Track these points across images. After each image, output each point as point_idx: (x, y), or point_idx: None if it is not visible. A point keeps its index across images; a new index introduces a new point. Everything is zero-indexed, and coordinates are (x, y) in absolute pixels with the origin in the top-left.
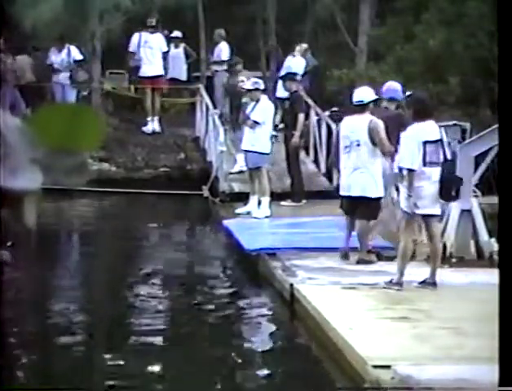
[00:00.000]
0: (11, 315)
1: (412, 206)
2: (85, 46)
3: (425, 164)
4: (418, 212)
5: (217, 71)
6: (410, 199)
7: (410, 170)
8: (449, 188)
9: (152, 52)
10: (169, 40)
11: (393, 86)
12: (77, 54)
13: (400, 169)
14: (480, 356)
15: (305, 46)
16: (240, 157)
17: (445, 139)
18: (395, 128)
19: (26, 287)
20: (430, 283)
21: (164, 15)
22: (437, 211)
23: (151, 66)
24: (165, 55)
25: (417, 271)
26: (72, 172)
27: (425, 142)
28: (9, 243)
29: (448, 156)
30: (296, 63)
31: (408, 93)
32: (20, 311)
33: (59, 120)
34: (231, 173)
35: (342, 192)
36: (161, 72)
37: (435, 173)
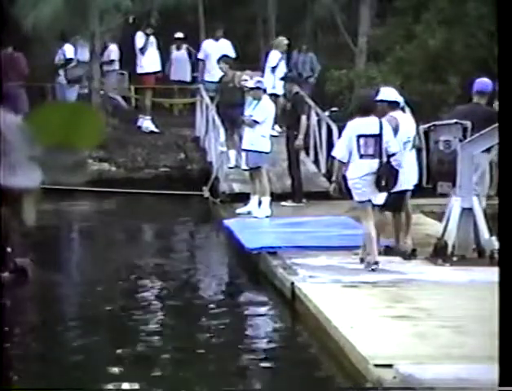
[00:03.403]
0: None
1: (337, 191)
2: (84, 45)
3: (360, 156)
4: (356, 199)
5: None
6: (334, 185)
7: (334, 158)
8: (380, 178)
9: (136, 52)
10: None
11: (481, 81)
12: (70, 53)
13: (333, 158)
14: (481, 355)
15: (286, 41)
16: (232, 154)
17: (388, 138)
18: (480, 123)
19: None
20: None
21: (164, 15)
22: (375, 200)
23: (138, 65)
24: (143, 51)
25: (418, 269)
26: (71, 170)
27: (358, 136)
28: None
29: (392, 150)
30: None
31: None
32: (22, 312)
33: (58, 118)
34: (230, 168)
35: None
36: (141, 70)
37: (372, 164)
